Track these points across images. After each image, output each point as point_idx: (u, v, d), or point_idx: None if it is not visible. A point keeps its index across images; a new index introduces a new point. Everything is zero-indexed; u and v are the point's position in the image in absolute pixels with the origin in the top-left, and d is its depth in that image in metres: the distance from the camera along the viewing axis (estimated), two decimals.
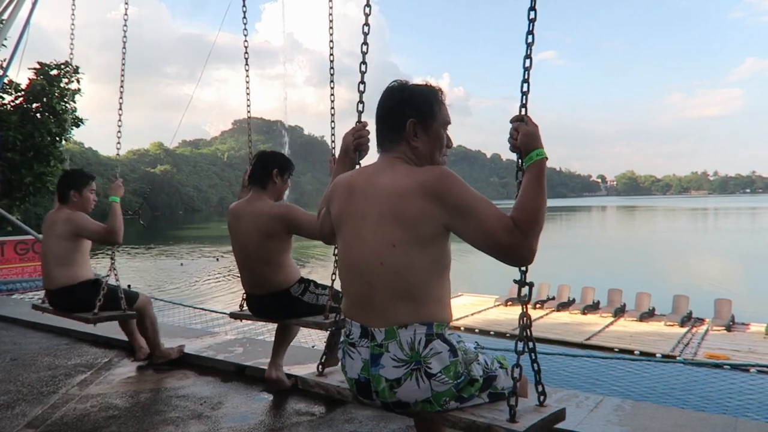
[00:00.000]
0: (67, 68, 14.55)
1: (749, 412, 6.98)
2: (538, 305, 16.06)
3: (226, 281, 22.03)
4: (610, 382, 8.27)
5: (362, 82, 2.37)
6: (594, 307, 15.65)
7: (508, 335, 12.77)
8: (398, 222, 1.65)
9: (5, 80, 12.83)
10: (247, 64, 3.24)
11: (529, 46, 1.84)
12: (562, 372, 8.85)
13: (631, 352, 11.97)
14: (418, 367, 1.64)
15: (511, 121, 1.82)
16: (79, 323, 5.09)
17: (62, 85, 14.49)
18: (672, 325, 13.94)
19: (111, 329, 4.98)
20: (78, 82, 14.76)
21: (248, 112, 3.92)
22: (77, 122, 14.98)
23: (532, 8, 1.85)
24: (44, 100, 14.10)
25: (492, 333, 13.13)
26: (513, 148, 1.79)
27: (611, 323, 14.62)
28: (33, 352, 4.58)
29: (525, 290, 1.76)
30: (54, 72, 14.41)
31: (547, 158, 1.72)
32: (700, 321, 14.29)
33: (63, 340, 4.95)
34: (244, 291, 3.42)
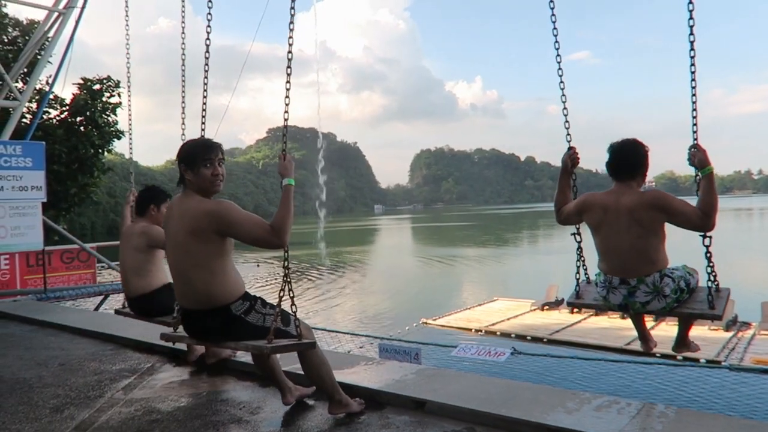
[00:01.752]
0: (109, 83, 15.04)
1: None
2: (575, 310, 15.75)
3: (268, 285, 22.31)
4: (652, 388, 8.07)
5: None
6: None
7: (545, 340, 12.56)
8: (639, 224, 2.94)
9: (51, 96, 13.33)
10: (289, 66, 3.05)
11: (693, 88, 3.09)
12: (602, 378, 8.67)
13: (673, 357, 11.61)
14: (658, 294, 2.99)
15: (689, 148, 2.97)
16: (123, 329, 5.24)
17: (104, 99, 14.99)
18: (717, 330, 13.49)
19: (154, 335, 5.11)
20: (119, 95, 15.24)
21: (285, 120, 3.64)
22: (118, 134, 15.45)
23: None
24: (87, 113, 14.60)
25: (529, 338, 12.93)
26: (691, 164, 2.96)
27: (652, 327, 14.25)
28: (80, 357, 4.73)
29: (708, 240, 2.96)
30: (96, 87, 14.91)
31: (714, 171, 2.89)
32: (747, 325, 13.78)
33: (108, 346, 5.11)
34: (179, 306, 3.06)
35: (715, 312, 2.95)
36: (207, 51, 3.94)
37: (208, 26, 3.85)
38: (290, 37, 3.14)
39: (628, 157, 3.05)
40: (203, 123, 3.91)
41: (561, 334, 13.13)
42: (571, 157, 3.39)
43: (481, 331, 13.78)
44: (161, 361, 4.51)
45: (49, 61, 12.36)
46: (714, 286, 3.04)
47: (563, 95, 3.57)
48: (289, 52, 3.14)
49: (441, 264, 30.58)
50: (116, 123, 15.26)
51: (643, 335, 3.57)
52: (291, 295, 2.87)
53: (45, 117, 14.61)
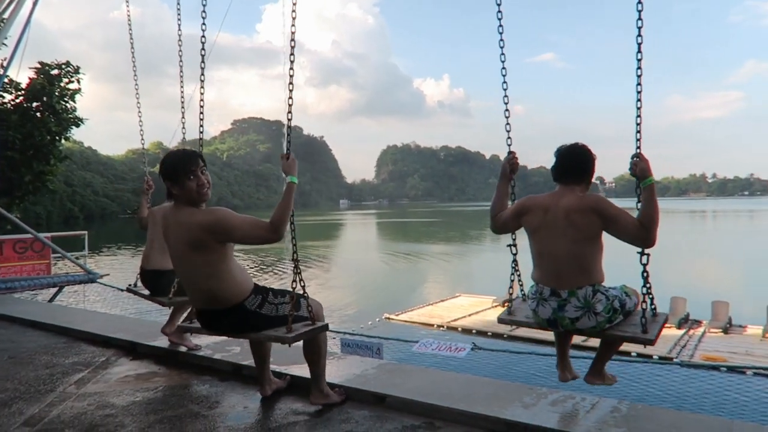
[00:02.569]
0: (68, 68, 14.57)
1: (744, 415, 7.00)
2: None
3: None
4: None
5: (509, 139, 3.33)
6: None
7: (505, 336, 12.77)
8: (576, 229, 2.74)
9: (5, 79, 12.83)
10: (292, 53, 3.06)
11: (639, 101, 2.89)
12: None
13: (628, 353, 11.97)
14: (589, 310, 2.75)
15: (631, 157, 2.82)
16: (78, 322, 5.11)
17: (62, 84, 14.51)
18: (669, 327, 13.94)
19: (110, 328, 4.99)
20: (78, 81, 14.77)
21: (288, 120, 3.18)
22: (77, 122, 14.99)
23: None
24: (44, 99, 14.10)
25: (489, 334, 13.13)
26: (632, 175, 2.80)
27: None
28: (31, 350, 4.58)
29: (645, 257, 2.76)
30: (55, 71, 14.42)
31: (654, 182, 2.73)
32: (698, 323, 14.30)
33: (61, 338, 4.96)
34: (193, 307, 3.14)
35: (647, 336, 2.69)
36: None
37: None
38: (292, 41, 3.19)
39: (574, 161, 2.92)
40: (201, 119, 4.02)
41: (521, 330, 13.34)
42: (511, 162, 3.23)
43: (443, 326, 13.91)
44: (117, 355, 4.40)
45: (3, 43, 11.90)
46: (651, 309, 2.83)
47: (506, 96, 3.41)
48: (291, 53, 3.18)
49: (405, 260, 30.73)
50: (75, 110, 14.79)
51: (563, 362, 3.21)
52: (302, 282, 3.03)
53: None
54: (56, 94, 14.29)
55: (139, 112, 4.44)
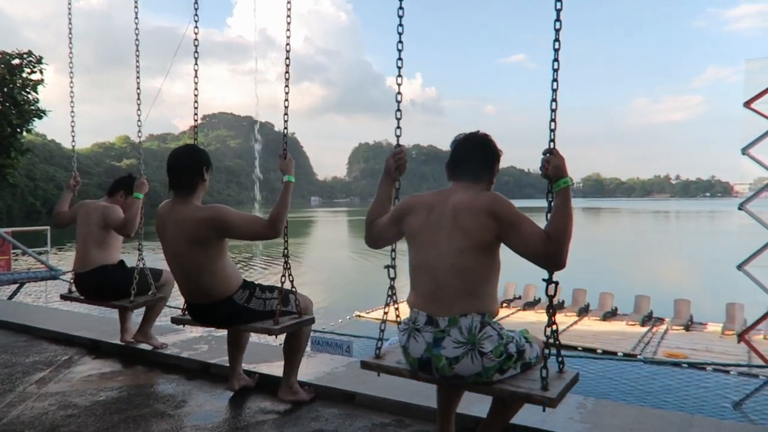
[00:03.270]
0: (30, 58, 14.14)
1: (704, 410, 7.21)
2: (504, 304, 16.25)
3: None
4: None
5: (399, 119, 2.71)
6: (559, 306, 15.93)
7: None
8: (464, 233, 2.11)
9: None
10: (288, 58, 3.07)
11: (554, 92, 2.21)
12: None
13: (594, 350, 12.23)
14: (473, 348, 2.07)
15: (543, 153, 2.21)
16: (39, 320, 4.97)
17: (24, 75, 14.08)
18: (633, 325, 14.28)
19: (73, 326, 4.87)
20: (41, 72, 14.36)
21: (285, 121, 3.34)
22: (39, 113, 14.57)
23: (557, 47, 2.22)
24: (5, 90, 13.67)
25: None
26: (544, 176, 2.18)
27: (575, 322, 14.90)
28: None
29: (552, 288, 2.13)
30: (16, 61, 13.99)
31: (572, 184, 2.14)
32: (661, 320, 14.68)
33: (22, 337, 4.81)
34: (184, 300, 3.13)
35: (548, 395, 2.04)
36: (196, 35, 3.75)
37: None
38: (287, 45, 3.16)
39: (473, 153, 2.34)
40: (196, 110, 3.81)
41: None
42: (397, 159, 2.61)
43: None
44: (80, 353, 4.30)
45: None
46: (557, 362, 2.21)
47: (399, 76, 2.74)
48: (287, 58, 3.17)
49: (376, 257, 30.72)
50: (37, 101, 14.38)
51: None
52: (291, 278, 3.08)
53: None
54: (18, 84, 13.86)
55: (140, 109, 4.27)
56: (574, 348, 12.28)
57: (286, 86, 3.17)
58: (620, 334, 13.53)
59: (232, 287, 2.96)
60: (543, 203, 2.18)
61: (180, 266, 2.96)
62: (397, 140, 2.68)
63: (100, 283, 3.97)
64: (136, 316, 4.32)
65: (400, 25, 2.70)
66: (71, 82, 4.53)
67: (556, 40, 2.23)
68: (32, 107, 14.29)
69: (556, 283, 2.13)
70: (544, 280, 2.13)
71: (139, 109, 4.19)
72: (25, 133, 14.86)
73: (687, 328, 13.94)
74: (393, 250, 2.67)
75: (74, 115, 4.50)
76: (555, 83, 2.23)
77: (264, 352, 4.11)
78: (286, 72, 3.18)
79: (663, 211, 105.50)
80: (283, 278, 3.06)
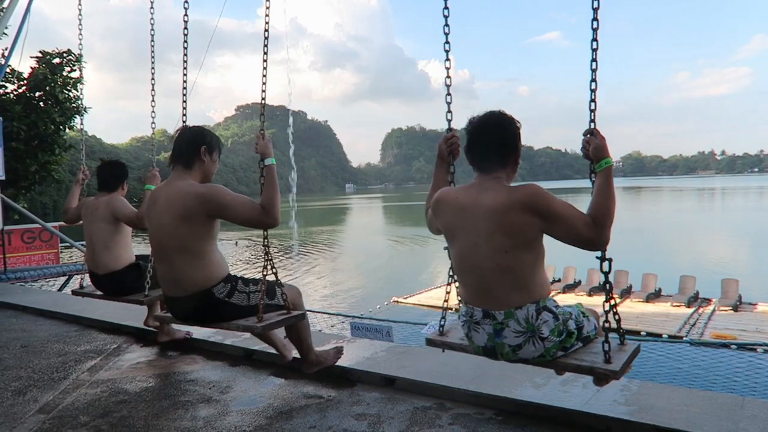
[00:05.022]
0: (70, 56, 14.51)
1: (756, 391, 7.00)
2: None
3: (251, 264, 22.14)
4: None
5: (449, 103, 2.67)
6: (600, 289, 15.60)
7: None
8: (505, 234, 2.08)
9: (7, 69, 12.81)
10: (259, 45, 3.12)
11: (594, 71, 2.23)
12: None
13: (637, 333, 11.97)
14: (533, 335, 2.14)
15: (584, 134, 2.25)
16: (88, 310, 5.13)
17: (65, 73, 14.47)
18: (679, 306, 13.92)
19: (120, 315, 5.02)
20: (80, 70, 14.73)
21: (263, 99, 3.37)
22: (80, 110, 14.97)
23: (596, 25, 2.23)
24: (47, 88, 14.08)
25: None
26: (585, 156, 2.23)
27: (617, 304, 14.58)
28: (43, 339, 4.62)
29: (606, 264, 2.19)
30: (56, 60, 14.38)
31: (613, 165, 2.16)
32: (707, 301, 14.26)
33: (72, 327, 5.00)
34: (162, 293, 3.02)
35: (611, 367, 2.11)
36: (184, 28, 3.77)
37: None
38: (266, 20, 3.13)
39: (493, 137, 2.22)
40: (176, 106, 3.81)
41: None
42: (449, 143, 2.59)
43: (451, 309, 13.93)
44: (128, 342, 4.43)
45: (4, 33, 11.87)
46: (620, 335, 2.30)
47: (447, 60, 2.74)
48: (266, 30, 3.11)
49: (412, 243, 30.75)
50: (79, 98, 14.78)
51: None
52: (273, 268, 2.88)
53: (1, 91, 14.06)
54: (59, 83, 14.25)
55: (153, 101, 4.30)
56: (616, 330, 12.05)
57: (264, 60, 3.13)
58: (665, 316, 13.21)
59: (213, 277, 2.78)
60: (581, 183, 2.16)
61: (161, 244, 2.80)
62: (449, 124, 2.66)
63: (113, 286, 3.96)
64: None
65: (446, 8, 2.69)
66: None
67: (595, 19, 2.21)
68: (73, 104, 14.70)
69: (610, 260, 2.17)
70: (597, 258, 2.18)
71: (153, 100, 4.23)
72: (67, 130, 15.30)
73: (735, 308, 13.51)
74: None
75: (84, 102, 4.60)
76: (594, 63, 2.22)
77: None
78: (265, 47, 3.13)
79: (708, 188, 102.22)
80: (265, 270, 2.84)
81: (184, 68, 3.83)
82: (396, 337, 6.46)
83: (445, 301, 2.65)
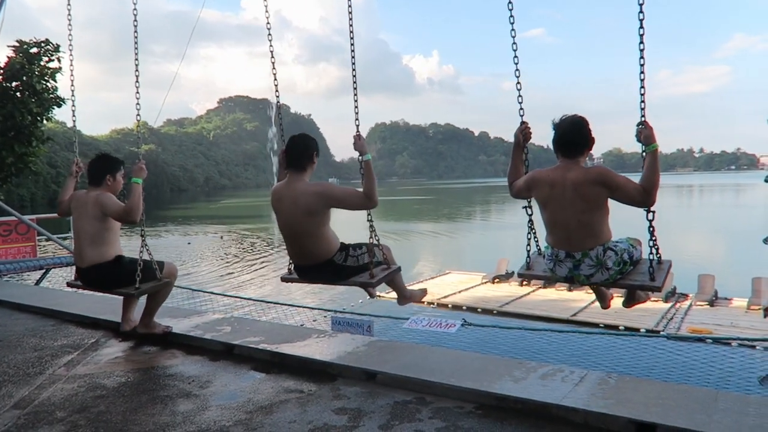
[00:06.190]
0: (47, 46, 14.22)
1: (730, 384, 7.13)
2: (525, 282, 16.17)
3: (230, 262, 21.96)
4: (594, 357, 8.39)
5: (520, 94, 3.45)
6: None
7: (495, 312, 12.87)
8: (584, 200, 2.94)
9: None
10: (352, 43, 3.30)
11: (642, 71, 3.01)
12: (547, 348, 8.96)
13: (616, 327, 12.13)
14: (601, 266, 3.03)
15: (637, 125, 3.00)
16: (66, 304, 5.05)
17: (42, 63, 14.18)
18: (656, 301, 14.12)
19: (98, 310, 4.96)
20: (59, 60, 14.46)
21: (355, 100, 3.83)
22: (59, 102, 14.70)
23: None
24: (24, 78, 13.79)
25: (479, 310, 13.22)
26: (638, 140, 3.00)
27: (594, 300, 14.75)
28: (19, 333, 4.55)
29: (650, 215, 2.98)
30: (34, 50, 14.08)
31: (658, 148, 2.95)
32: (684, 296, 14.49)
33: (49, 321, 4.92)
34: (290, 261, 3.72)
35: (655, 284, 3.00)
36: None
37: None
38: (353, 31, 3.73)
39: (573, 134, 3.06)
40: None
41: (510, 306, 13.46)
42: (523, 132, 3.37)
43: (433, 303, 13.97)
44: (106, 336, 4.38)
45: None
46: (656, 258, 3.08)
47: (517, 70, 3.49)
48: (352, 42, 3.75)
49: (395, 238, 30.76)
50: (56, 89, 14.49)
51: (601, 295, 3.70)
52: (376, 236, 3.59)
53: None
54: (36, 73, 13.96)
55: (137, 93, 4.26)
56: (596, 325, 12.22)
57: (353, 63, 3.60)
58: (643, 311, 13.36)
59: (332, 250, 3.49)
60: None
61: (293, 233, 3.50)
62: (521, 117, 3.39)
63: (97, 279, 3.95)
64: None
65: (514, 43, 3.44)
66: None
67: (641, 19, 2.94)
68: (51, 95, 14.41)
69: (654, 212, 2.99)
70: (646, 209, 2.95)
71: (137, 92, 4.20)
72: (45, 122, 15.01)
73: (711, 303, 13.74)
74: (529, 201, 3.35)
75: (74, 97, 4.58)
76: (642, 59, 2.98)
77: (285, 333, 4.17)
78: (352, 50, 3.79)
79: (686, 185, 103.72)
80: (370, 239, 3.55)
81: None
82: (377, 331, 6.47)
83: (529, 241, 3.43)
